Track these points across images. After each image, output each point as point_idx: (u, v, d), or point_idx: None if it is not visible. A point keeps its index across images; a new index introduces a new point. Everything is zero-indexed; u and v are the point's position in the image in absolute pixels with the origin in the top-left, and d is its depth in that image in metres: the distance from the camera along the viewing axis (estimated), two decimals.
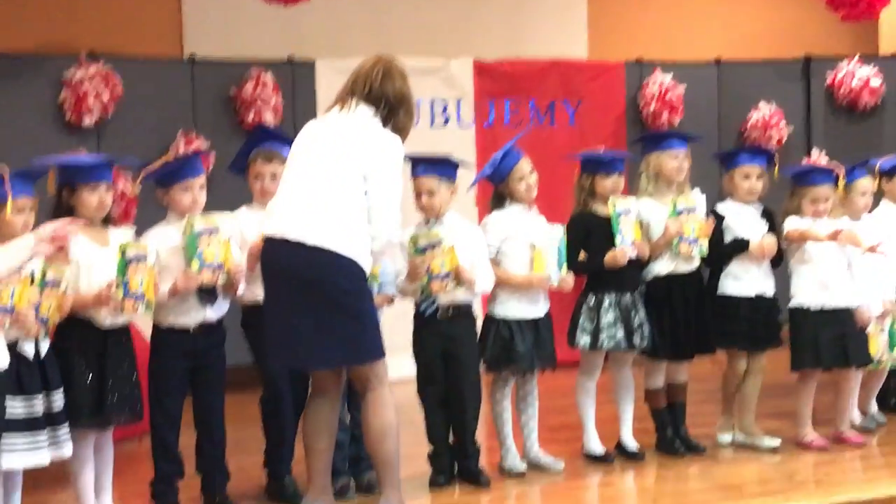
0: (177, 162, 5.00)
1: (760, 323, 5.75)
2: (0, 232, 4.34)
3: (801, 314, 5.73)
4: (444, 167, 5.25)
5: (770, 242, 5.69)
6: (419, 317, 5.26)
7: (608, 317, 5.49)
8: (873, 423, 6.25)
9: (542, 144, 7.74)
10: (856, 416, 6.22)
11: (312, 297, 4.40)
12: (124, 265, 4.51)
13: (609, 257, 5.45)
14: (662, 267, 5.65)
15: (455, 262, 5.08)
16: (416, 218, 5.32)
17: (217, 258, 4.74)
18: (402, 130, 4.62)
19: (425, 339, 5.24)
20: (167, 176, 4.86)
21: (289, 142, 5.16)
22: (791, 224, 5.73)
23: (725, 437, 5.94)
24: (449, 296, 5.16)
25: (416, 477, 5.27)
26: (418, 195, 5.23)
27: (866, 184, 6.02)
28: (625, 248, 5.45)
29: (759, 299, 5.74)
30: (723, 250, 5.71)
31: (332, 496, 4.74)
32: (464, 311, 5.27)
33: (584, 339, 5.52)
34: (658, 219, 5.62)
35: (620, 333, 5.48)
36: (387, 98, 4.58)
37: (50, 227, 4.09)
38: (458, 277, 5.08)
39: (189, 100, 7.73)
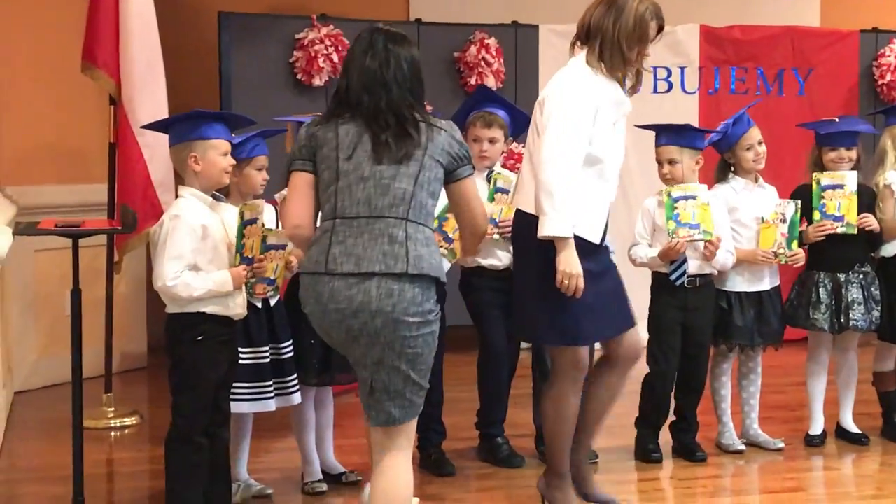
0: None
1: None
2: (241, 190, 4.52)
3: None
4: (686, 136, 5.13)
5: None
6: (658, 287, 5.17)
7: (816, 295, 5.30)
8: None
9: (770, 114, 7.44)
10: None
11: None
12: None
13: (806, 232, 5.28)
14: None
15: (708, 215, 4.96)
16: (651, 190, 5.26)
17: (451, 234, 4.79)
18: (615, 67, 4.23)
19: (666, 309, 5.14)
20: None
21: (508, 106, 5.15)
22: None
23: None
24: (695, 263, 5.06)
25: (627, 449, 5.25)
26: (660, 164, 5.12)
27: None
28: (825, 222, 5.22)
29: None
30: None
31: (570, 482, 4.41)
32: (708, 283, 5.17)
33: (794, 317, 5.37)
34: None
35: (827, 314, 5.28)
36: (594, 31, 4.23)
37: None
38: (707, 232, 4.96)
39: None
